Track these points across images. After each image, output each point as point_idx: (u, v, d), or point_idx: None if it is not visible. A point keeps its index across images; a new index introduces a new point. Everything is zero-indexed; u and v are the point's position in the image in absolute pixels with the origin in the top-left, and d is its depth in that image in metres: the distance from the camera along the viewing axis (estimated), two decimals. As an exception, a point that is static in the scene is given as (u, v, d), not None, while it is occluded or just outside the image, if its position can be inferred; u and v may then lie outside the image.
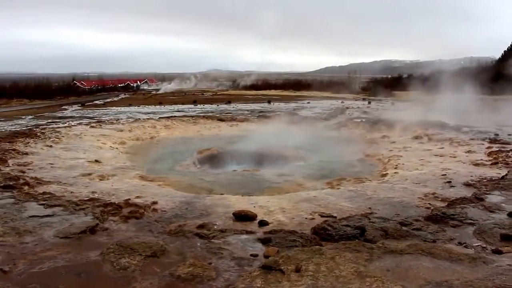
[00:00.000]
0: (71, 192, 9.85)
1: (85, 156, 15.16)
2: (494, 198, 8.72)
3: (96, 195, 9.63)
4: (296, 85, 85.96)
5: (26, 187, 10.03)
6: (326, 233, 6.76)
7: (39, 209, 8.00)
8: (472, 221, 7.21)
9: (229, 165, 17.00)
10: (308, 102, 43.73)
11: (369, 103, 42.04)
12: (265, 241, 6.40)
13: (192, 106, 39.34)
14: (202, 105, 39.73)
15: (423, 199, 9.20)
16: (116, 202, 8.79)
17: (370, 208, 8.55)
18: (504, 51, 61.88)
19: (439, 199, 9.17)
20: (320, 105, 39.98)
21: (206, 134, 23.64)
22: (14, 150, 14.82)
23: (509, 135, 18.01)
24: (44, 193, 9.43)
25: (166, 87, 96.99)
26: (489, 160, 13.53)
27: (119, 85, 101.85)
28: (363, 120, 25.48)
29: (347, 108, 35.39)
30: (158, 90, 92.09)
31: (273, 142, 19.70)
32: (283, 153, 17.89)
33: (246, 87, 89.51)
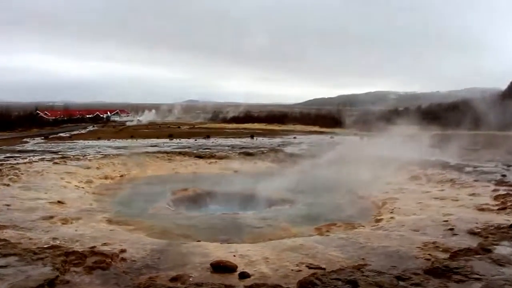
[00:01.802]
0: (29, 239, 9.63)
1: (46, 197, 14.97)
2: (503, 249, 8.50)
3: (57, 242, 9.42)
4: (281, 118, 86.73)
5: (-23, 233, 9.82)
6: (314, 288, 6.66)
7: (-9, 259, 7.79)
8: (478, 276, 7.03)
9: (207, 207, 16.85)
10: (295, 137, 43.96)
11: (362, 138, 42.26)
12: (246, 297, 6.28)
13: (167, 140, 39.37)
14: (178, 140, 39.82)
15: (422, 249, 9.07)
16: (80, 250, 8.60)
17: (363, 259, 8.45)
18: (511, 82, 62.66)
19: (440, 249, 9.01)
20: (307, 140, 40.20)
21: (182, 172, 23.54)
22: (-35, 189, 14.59)
23: (517, 176, 17.96)
24: (-3, 239, 9.22)
25: (142, 118, 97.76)
26: (496, 204, 13.40)
27: (87, 116, 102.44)
28: (355, 157, 25.45)
29: (337, 144, 35.45)
30: (140, 120, 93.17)
31: (255, 181, 19.63)
32: (266, 194, 17.77)
33: (227, 120, 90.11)
